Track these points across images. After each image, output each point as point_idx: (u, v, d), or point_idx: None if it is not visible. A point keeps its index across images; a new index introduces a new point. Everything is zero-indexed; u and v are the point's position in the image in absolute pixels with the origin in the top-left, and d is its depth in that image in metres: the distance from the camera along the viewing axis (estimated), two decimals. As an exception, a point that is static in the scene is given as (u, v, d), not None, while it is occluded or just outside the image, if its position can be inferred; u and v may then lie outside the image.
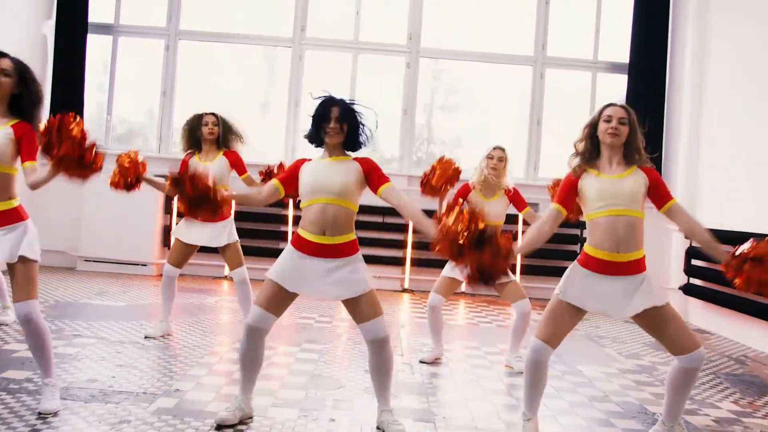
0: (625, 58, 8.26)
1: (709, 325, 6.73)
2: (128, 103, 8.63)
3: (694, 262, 7.09)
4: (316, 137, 3.15)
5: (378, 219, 7.98)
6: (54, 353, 3.12)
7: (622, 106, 3.03)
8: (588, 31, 8.44)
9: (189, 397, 3.38)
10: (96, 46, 8.29)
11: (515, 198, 4.59)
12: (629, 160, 3.02)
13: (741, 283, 2.75)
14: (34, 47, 7.82)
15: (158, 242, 7.83)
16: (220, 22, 8.44)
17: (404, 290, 7.89)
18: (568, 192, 3.06)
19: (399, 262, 7.93)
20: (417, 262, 7.84)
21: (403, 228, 7.89)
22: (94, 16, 8.17)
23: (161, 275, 7.76)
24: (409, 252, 7.84)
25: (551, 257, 7.91)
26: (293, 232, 3.13)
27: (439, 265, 7.99)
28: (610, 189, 2.94)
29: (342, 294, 3.04)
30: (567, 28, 8.48)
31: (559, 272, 7.60)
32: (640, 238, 2.94)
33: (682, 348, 2.91)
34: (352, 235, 3.09)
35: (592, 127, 3.05)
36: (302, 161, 3.19)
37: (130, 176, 4.39)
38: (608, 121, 2.98)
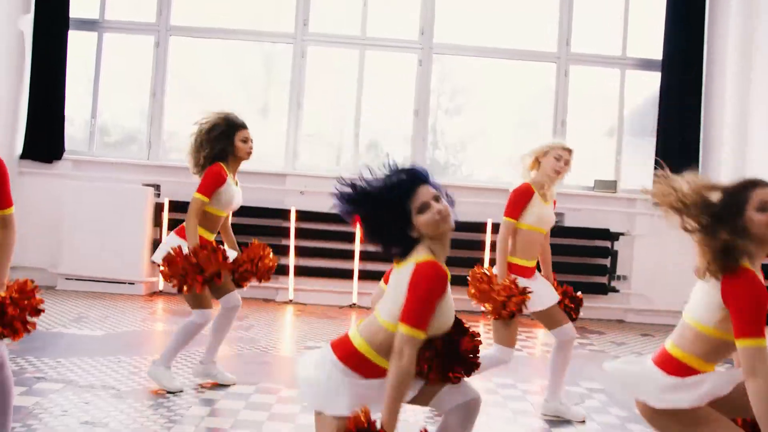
0: (656, 53, 7.56)
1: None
2: (120, 106, 7.91)
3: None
4: (405, 239, 2.22)
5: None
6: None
7: None
8: (616, 25, 7.73)
9: (168, 471, 2.64)
10: (79, 44, 7.57)
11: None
12: None
13: None
14: (11, 44, 7.10)
15: (147, 258, 7.09)
16: (214, 17, 7.73)
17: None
18: None
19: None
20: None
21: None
22: (76, 10, 7.45)
23: (150, 294, 7.12)
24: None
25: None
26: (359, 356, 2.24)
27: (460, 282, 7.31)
28: None
29: None
30: (593, 21, 7.78)
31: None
32: None
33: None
34: None
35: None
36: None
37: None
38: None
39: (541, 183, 3.68)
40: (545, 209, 3.67)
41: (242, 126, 3.81)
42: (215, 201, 3.73)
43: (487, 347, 3.64)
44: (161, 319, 5.81)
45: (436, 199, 2.18)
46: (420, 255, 2.16)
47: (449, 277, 2.16)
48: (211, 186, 3.69)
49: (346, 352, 2.20)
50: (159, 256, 3.73)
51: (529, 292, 3.51)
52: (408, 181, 2.19)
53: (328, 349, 2.25)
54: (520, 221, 3.63)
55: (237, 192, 3.85)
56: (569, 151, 3.70)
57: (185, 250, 3.59)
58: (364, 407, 2.05)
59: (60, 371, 3.93)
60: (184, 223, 3.74)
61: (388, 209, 2.18)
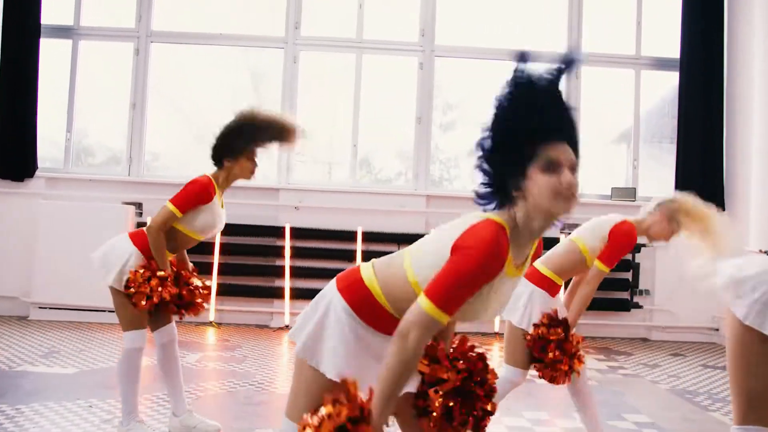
0: (673, 52, 7.08)
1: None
2: (106, 124, 7.28)
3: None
4: (510, 189, 1.56)
5: (394, 249, 6.69)
6: None
7: None
8: (628, 23, 7.25)
9: None
10: (52, 52, 6.99)
11: None
12: None
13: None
14: (-24, 53, 6.55)
15: (128, 283, 6.47)
16: (198, 21, 7.18)
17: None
18: None
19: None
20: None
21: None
22: (48, 17, 6.90)
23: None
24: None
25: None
26: (364, 292, 1.70)
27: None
28: None
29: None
30: (603, 20, 7.30)
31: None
32: None
33: None
34: None
35: None
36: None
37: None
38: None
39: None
40: None
41: (266, 140, 3.07)
42: (190, 221, 3.03)
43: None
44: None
45: (573, 169, 1.53)
46: (495, 215, 1.56)
47: (508, 262, 1.55)
48: (192, 201, 2.99)
49: (354, 294, 1.68)
50: (109, 264, 3.02)
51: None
52: (549, 118, 1.53)
53: (333, 286, 1.72)
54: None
55: (221, 216, 3.14)
56: None
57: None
58: (352, 380, 1.53)
59: (18, 421, 3.31)
60: (144, 228, 3.07)
61: (506, 133, 1.54)
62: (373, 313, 1.67)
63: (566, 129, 1.56)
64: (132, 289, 2.94)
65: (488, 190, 1.58)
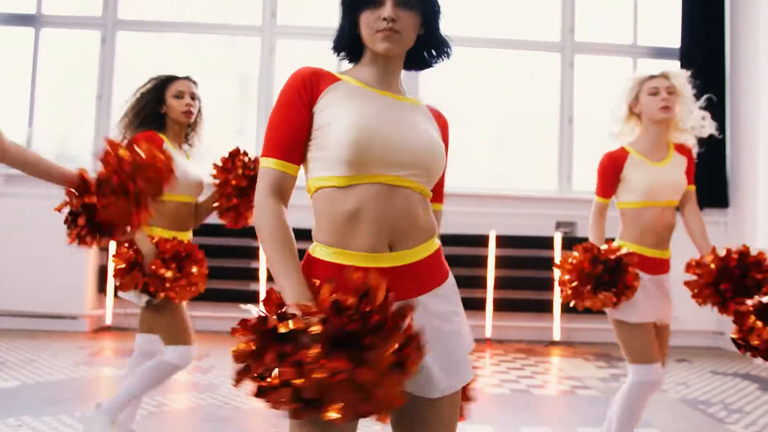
0: (672, 41, 6.71)
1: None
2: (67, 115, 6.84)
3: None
4: (348, 39, 1.48)
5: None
6: None
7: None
8: (625, 10, 6.87)
9: None
10: (12, 41, 6.55)
11: (690, 166, 2.78)
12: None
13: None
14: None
15: (92, 288, 6.01)
16: (168, 9, 6.74)
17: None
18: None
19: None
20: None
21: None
22: (7, 3, 6.47)
23: (95, 331, 6.03)
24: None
25: (529, 287, 6.30)
26: (309, 257, 1.47)
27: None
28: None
29: (447, 384, 1.42)
30: (598, 6, 6.92)
31: (537, 307, 5.93)
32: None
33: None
34: (436, 241, 1.50)
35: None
36: (324, 77, 1.44)
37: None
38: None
39: (649, 139, 2.69)
40: (657, 173, 2.63)
41: (175, 78, 2.75)
42: None
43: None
44: (102, 361, 4.71)
45: (401, 1, 1.40)
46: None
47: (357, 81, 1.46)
48: None
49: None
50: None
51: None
52: None
53: None
54: (621, 198, 2.69)
55: (186, 166, 2.73)
56: (665, 77, 2.67)
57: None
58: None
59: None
60: None
61: None
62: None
63: None
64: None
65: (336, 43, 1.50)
